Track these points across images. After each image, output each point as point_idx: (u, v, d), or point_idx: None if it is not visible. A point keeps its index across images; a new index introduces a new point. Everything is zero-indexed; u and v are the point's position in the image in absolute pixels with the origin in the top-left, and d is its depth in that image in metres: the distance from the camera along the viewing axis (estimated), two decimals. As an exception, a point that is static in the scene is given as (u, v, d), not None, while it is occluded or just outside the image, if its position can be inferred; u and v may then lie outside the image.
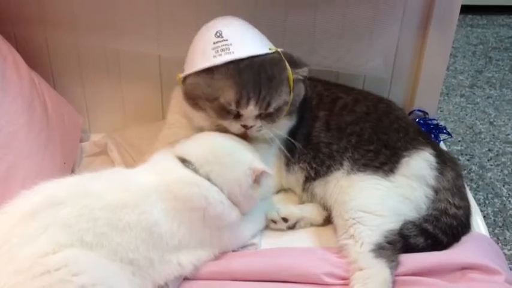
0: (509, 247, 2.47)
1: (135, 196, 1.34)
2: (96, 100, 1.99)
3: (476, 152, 2.99)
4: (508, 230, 2.56)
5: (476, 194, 2.72)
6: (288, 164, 1.69)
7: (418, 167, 1.62)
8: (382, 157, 1.61)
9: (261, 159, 1.51)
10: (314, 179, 1.66)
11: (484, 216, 2.60)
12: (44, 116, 1.65)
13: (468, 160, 2.93)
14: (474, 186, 2.78)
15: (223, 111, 1.51)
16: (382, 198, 1.56)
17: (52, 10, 1.79)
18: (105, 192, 1.33)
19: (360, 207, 1.53)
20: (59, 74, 1.92)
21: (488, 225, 2.56)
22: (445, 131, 2.00)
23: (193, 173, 1.41)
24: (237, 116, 1.51)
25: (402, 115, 1.78)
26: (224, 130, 1.55)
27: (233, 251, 1.52)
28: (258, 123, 1.53)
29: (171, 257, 1.37)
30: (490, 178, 2.82)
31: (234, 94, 1.47)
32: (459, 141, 3.08)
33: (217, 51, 1.48)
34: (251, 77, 1.47)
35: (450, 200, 1.60)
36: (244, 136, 1.55)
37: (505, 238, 2.51)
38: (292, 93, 1.54)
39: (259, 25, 1.60)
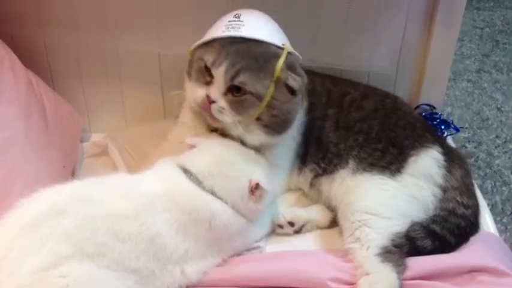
0: (518, 236, 2.44)
1: (137, 205, 1.32)
2: (96, 100, 1.95)
3: (484, 139, 2.96)
4: (516, 218, 2.53)
5: (483, 182, 2.69)
6: (300, 167, 1.67)
7: (426, 165, 1.59)
8: (389, 156, 1.58)
9: (270, 168, 1.52)
10: (321, 175, 1.64)
11: (492, 205, 2.58)
12: (42, 119, 1.61)
13: (475, 147, 2.90)
14: (482, 174, 2.75)
15: (200, 73, 1.50)
16: (388, 199, 1.53)
17: (49, 9, 1.76)
18: (106, 200, 1.30)
19: (366, 209, 1.50)
20: (57, 73, 1.89)
21: (496, 214, 2.54)
22: (452, 126, 1.96)
23: (196, 187, 1.39)
24: (208, 83, 1.49)
25: (409, 110, 1.75)
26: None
27: (238, 254, 1.50)
28: (221, 101, 1.47)
29: (174, 267, 1.35)
30: (498, 165, 2.79)
31: (215, 53, 1.47)
32: (466, 128, 3.03)
33: (228, 27, 1.49)
34: (238, 48, 1.47)
35: (458, 199, 1.57)
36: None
37: (513, 227, 2.49)
38: (272, 90, 1.48)
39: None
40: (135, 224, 1.29)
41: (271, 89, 1.48)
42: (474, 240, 1.53)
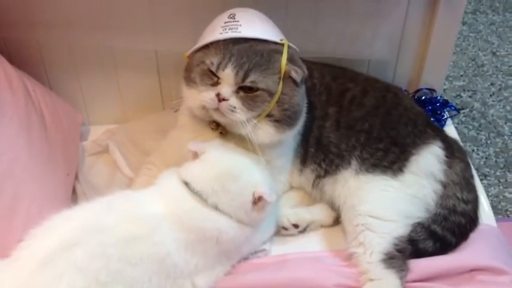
0: (510, 189, 2.50)
1: (145, 228, 1.34)
2: (93, 92, 1.92)
3: (479, 87, 2.96)
4: (509, 171, 2.58)
5: (478, 134, 2.73)
6: (300, 168, 1.67)
7: (427, 163, 1.60)
8: (391, 156, 1.58)
9: (271, 170, 1.53)
10: (324, 177, 1.64)
11: (486, 158, 2.62)
12: (42, 130, 1.59)
13: (470, 97, 2.91)
14: (476, 125, 2.78)
15: (205, 76, 1.47)
16: (391, 201, 1.55)
17: (40, 11, 1.70)
18: (116, 226, 1.32)
19: (369, 212, 1.52)
20: (52, 69, 1.84)
21: (489, 166, 2.58)
22: (452, 107, 1.96)
23: (200, 205, 1.40)
24: (216, 84, 1.46)
25: (410, 105, 1.73)
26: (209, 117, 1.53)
27: (244, 258, 1.53)
28: (233, 100, 1.45)
29: (185, 281, 1.39)
30: (492, 115, 2.81)
31: (218, 55, 1.44)
32: (461, 75, 3.03)
33: (225, 29, 1.47)
34: (240, 47, 1.45)
35: (459, 195, 1.60)
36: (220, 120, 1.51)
37: (506, 180, 2.54)
38: (281, 85, 1.47)
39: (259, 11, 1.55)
40: (146, 247, 1.31)
41: (281, 84, 1.47)
42: (474, 237, 1.57)
